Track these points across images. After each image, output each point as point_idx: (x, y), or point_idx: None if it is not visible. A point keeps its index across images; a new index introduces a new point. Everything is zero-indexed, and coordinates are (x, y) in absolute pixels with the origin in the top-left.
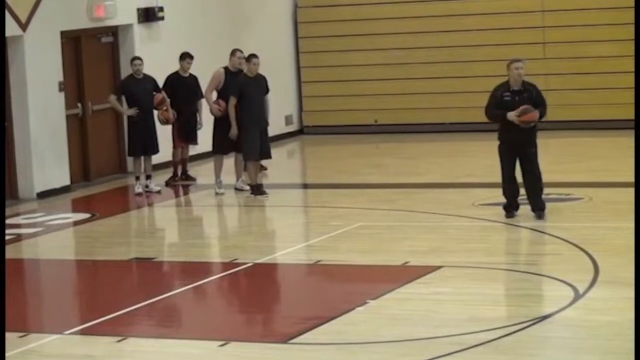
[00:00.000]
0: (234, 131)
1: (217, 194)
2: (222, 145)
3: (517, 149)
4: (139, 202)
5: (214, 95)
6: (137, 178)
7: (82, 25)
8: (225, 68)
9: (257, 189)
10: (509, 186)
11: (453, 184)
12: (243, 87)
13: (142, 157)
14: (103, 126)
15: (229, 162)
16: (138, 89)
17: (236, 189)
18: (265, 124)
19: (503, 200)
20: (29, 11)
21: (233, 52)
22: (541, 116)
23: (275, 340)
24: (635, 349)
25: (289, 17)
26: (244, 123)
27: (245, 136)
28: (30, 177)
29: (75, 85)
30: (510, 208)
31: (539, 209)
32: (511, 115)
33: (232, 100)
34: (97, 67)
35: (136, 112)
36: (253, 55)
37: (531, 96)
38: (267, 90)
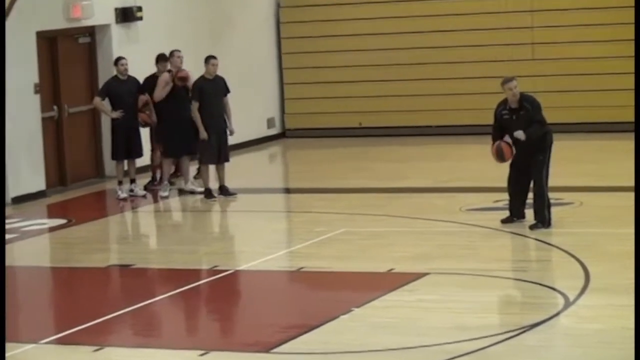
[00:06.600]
0: (202, 135)
1: (161, 197)
2: (174, 148)
3: (521, 160)
4: (117, 207)
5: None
6: (120, 183)
7: (58, 26)
8: (170, 72)
9: (209, 193)
10: (511, 190)
11: (440, 189)
12: (202, 89)
13: (125, 161)
14: (80, 129)
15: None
16: (123, 91)
17: (184, 191)
18: (223, 126)
19: (491, 205)
20: (4, 11)
21: (171, 54)
22: (530, 137)
23: (257, 350)
24: (635, 350)
25: (271, 17)
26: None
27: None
28: (4, 182)
29: (51, 87)
30: (511, 214)
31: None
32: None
33: (195, 105)
34: (74, 69)
35: (122, 115)
36: (211, 57)
37: (528, 114)
38: (226, 92)
